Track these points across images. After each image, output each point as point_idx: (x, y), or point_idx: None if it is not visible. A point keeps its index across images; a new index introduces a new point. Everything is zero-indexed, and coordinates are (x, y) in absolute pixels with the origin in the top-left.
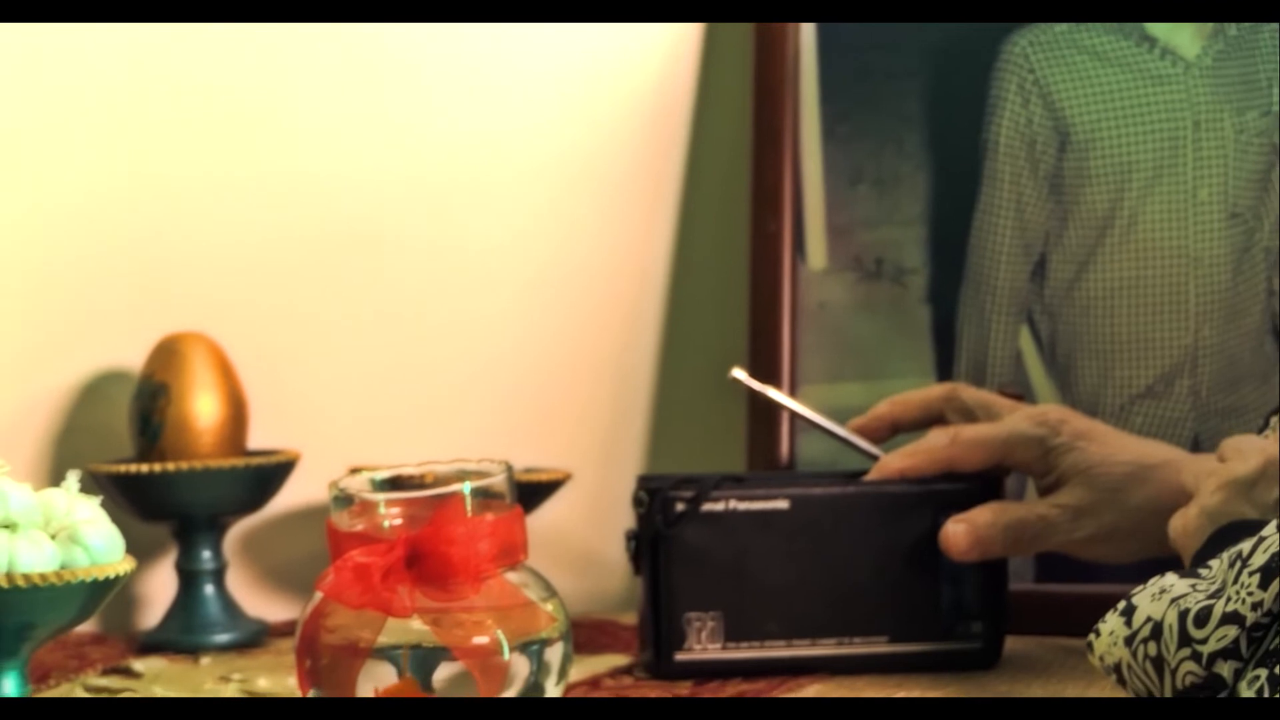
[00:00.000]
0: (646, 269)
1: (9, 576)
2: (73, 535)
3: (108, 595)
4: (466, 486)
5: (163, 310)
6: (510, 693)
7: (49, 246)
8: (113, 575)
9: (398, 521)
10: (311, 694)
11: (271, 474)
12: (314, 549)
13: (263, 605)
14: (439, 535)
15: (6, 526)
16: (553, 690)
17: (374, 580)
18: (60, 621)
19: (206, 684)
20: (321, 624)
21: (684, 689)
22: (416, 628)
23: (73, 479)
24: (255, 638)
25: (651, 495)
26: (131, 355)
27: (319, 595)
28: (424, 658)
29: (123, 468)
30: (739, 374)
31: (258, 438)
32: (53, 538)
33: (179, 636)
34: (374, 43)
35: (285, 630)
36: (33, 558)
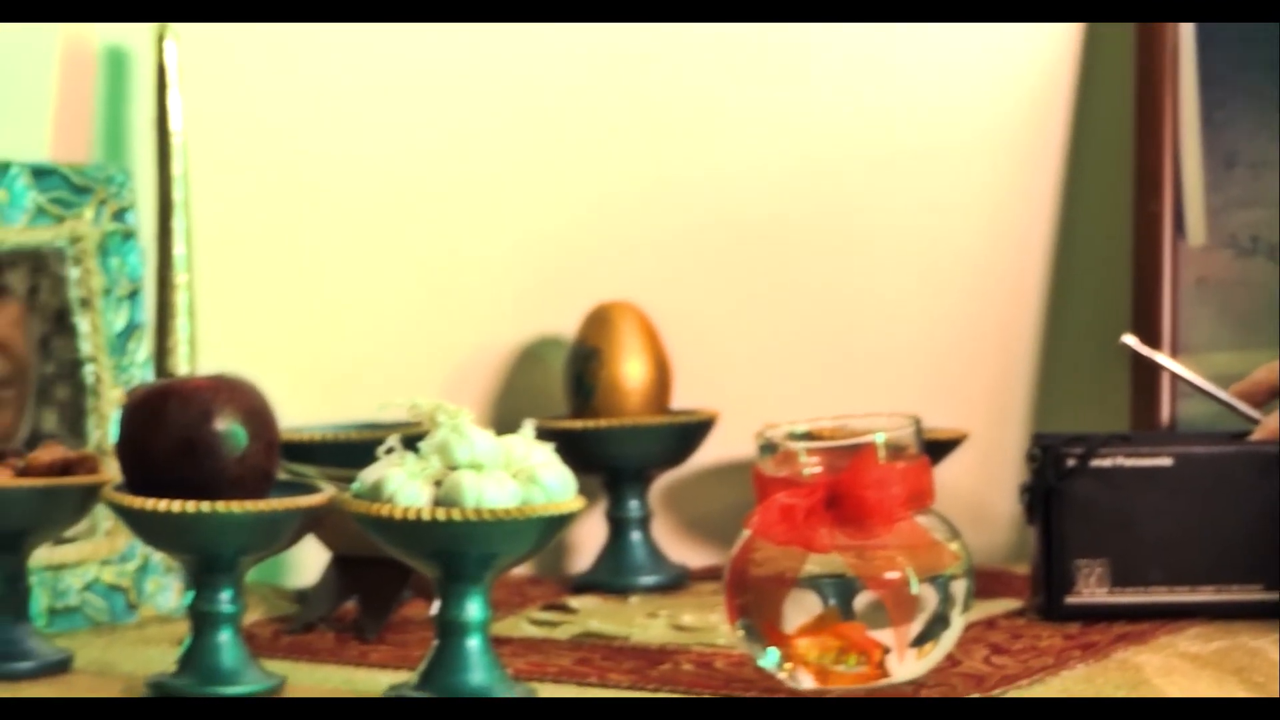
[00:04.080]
0: (1034, 246)
1: (477, 511)
2: (531, 476)
3: (560, 530)
4: (880, 436)
5: (595, 281)
6: (918, 623)
7: (500, 226)
8: (566, 512)
9: (817, 469)
10: (739, 623)
11: (693, 431)
12: (731, 501)
13: (684, 552)
14: (856, 480)
15: (474, 467)
16: (957, 620)
17: (798, 519)
18: (518, 552)
19: (636, 619)
20: (750, 558)
21: (1073, 630)
22: (835, 562)
23: (529, 426)
24: (678, 581)
25: (1044, 451)
26: (565, 322)
27: (747, 533)
28: (843, 588)
29: (560, 423)
30: (1130, 340)
31: (680, 398)
32: (513, 478)
33: (609, 578)
34: (781, 49)
35: (705, 575)
36: (497, 495)
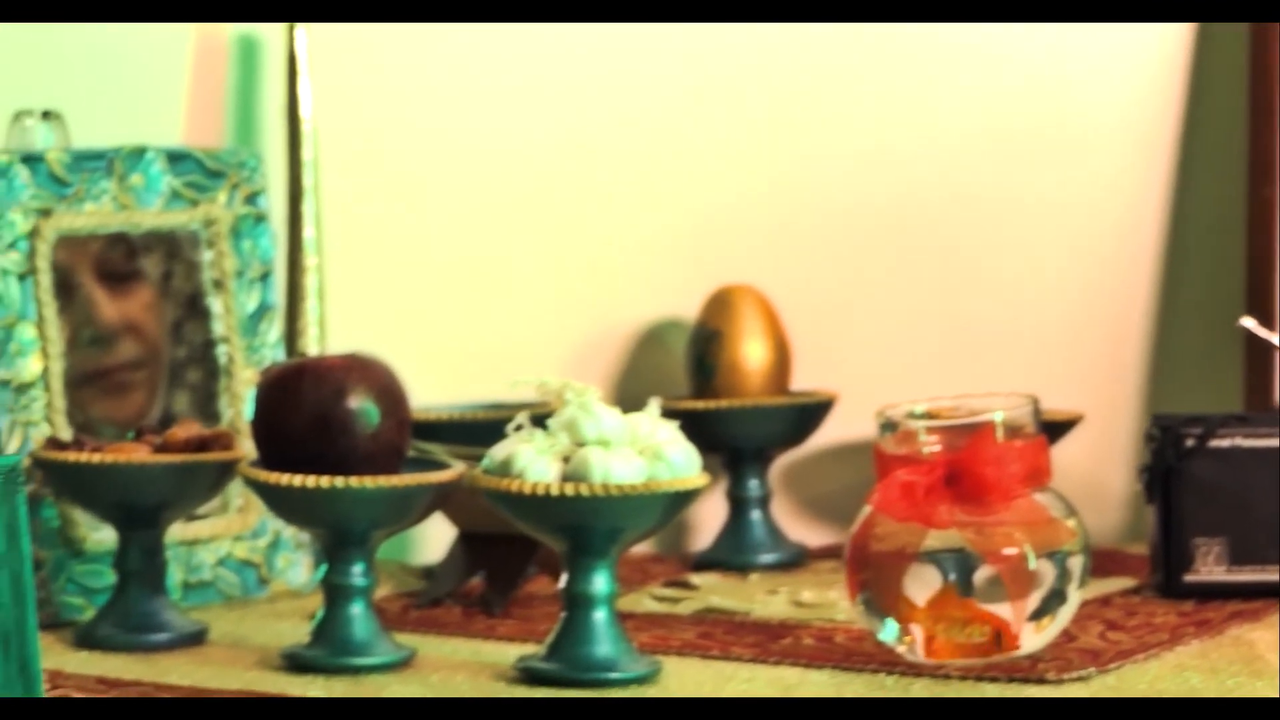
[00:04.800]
0: (1149, 231)
1: (605, 486)
2: (656, 453)
3: (686, 505)
4: (999, 415)
5: (716, 265)
6: (1036, 597)
7: (623, 211)
8: (691, 488)
9: (936, 447)
10: (860, 598)
11: (812, 412)
12: (849, 481)
13: (803, 530)
14: (975, 457)
15: (601, 444)
16: (1074, 595)
17: (918, 496)
18: (644, 527)
19: (757, 595)
20: (871, 534)
21: (1188, 607)
22: (954, 537)
23: (654, 404)
24: (797, 559)
25: (1164, 432)
26: (686, 305)
27: (868, 509)
28: (962, 563)
29: (682, 404)
30: (1248, 322)
31: (800, 379)
32: (639, 454)
33: (729, 556)
34: (904, 39)
35: (823, 554)
36: (624, 470)
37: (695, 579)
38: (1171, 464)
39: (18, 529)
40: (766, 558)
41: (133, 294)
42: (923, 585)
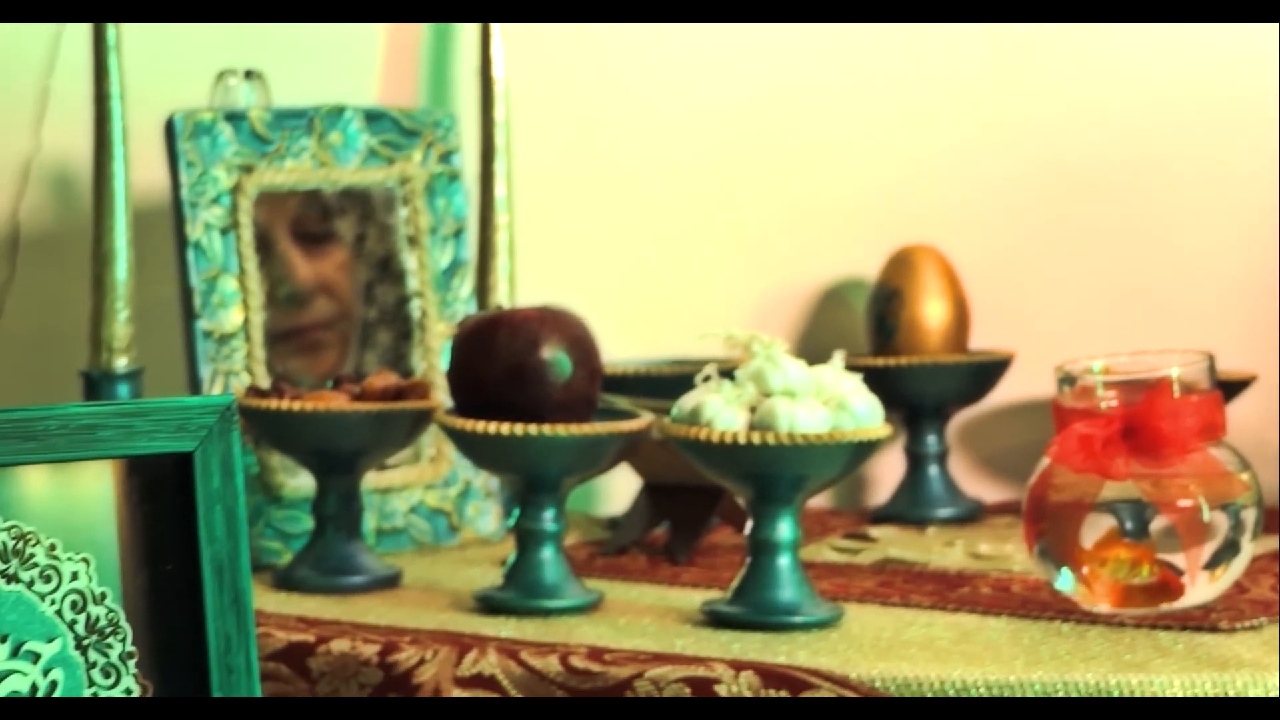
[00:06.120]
0: None
1: (790, 435)
2: (841, 404)
3: (869, 455)
4: (1175, 370)
5: (897, 225)
6: (1209, 548)
7: (808, 173)
8: (874, 438)
9: (1113, 402)
10: (1037, 548)
11: (990, 370)
12: (1025, 439)
13: (978, 486)
14: (1151, 411)
15: (787, 394)
16: (1247, 547)
17: (1095, 448)
18: (828, 475)
19: (934, 548)
20: (1049, 484)
21: None
22: (1130, 489)
23: (839, 357)
24: (973, 514)
25: None
26: (868, 264)
27: (1046, 461)
28: (1137, 512)
29: (863, 361)
30: None
31: (978, 338)
32: (824, 405)
33: (906, 510)
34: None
35: (998, 510)
36: (809, 420)
37: (874, 531)
38: None
39: (232, 466)
40: (943, 512)
41: (327, 254)
42: (1098, 535)
